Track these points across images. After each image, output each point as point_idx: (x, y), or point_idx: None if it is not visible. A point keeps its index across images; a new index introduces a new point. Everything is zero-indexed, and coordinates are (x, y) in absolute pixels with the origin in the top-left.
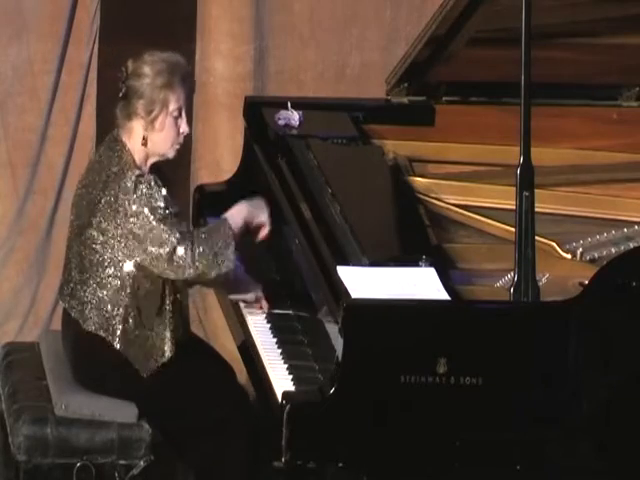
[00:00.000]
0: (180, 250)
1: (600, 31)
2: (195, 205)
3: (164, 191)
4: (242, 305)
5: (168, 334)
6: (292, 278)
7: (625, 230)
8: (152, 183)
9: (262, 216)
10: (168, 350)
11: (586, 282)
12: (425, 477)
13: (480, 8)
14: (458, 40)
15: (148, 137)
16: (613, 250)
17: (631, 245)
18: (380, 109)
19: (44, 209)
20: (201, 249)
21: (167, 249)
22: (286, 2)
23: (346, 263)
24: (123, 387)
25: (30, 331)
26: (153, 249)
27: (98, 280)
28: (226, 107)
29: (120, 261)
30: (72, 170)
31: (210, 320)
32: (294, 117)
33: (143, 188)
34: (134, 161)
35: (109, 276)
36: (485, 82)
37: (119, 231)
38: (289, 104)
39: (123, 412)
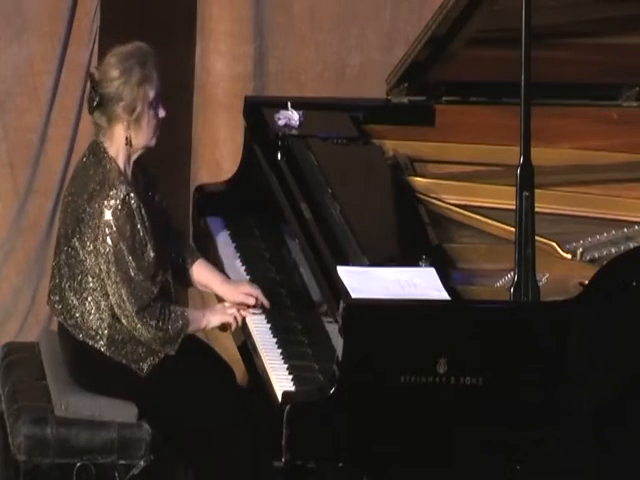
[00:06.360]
0: (140, 318)
1: (600, 31)
2: (195, 205)
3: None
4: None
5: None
6: (292, 278)
7: (625, 230)
8: (134, 211)
9: (215, 320)
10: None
11: (586, 282)
12: (425, 477)
13: (480, 8)
14: (458, 40)
15: (131, 135)
16: (613, 250)
17: (631, 245)
18: (380, 109)
19: (44, 209)
20: (158, 332)
21: (134, 307)
22: (286, 2)
23: (346, 263)
24: (123, 388)
25: (30, 331)
26: (122, 290)
27: (82, 289)
28: (226, 107)
29: (100, 271)
30: (72, 170)
31: None
32: (294, 117)
33: (122, 217)
34: (119, 170)
35: (92, 287)
36: (485, 82)
37: (97, 246)
38: (289, 104)
39: (123, 412)
